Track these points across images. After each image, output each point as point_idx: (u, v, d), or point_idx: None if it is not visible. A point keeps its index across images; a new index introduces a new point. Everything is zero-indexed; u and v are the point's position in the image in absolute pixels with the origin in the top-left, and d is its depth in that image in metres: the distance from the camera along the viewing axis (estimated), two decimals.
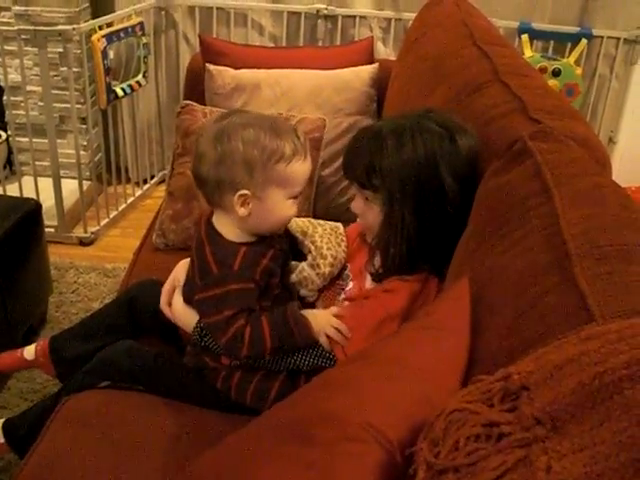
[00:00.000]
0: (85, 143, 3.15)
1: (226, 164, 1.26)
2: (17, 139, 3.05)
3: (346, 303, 1.40)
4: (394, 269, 1.33)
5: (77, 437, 1.32)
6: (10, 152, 3.17)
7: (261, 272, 1.32)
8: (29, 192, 2.86)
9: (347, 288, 1.45)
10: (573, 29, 3.00)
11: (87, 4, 3.16)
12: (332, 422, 0.78)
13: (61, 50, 3.01)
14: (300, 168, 1.30)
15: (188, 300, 1.42)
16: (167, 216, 1.95)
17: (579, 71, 2.99)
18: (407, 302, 1.29)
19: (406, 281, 1.32)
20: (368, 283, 1.43)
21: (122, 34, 2.86)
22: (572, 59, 2.98)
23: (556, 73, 2.96)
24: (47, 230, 2.89)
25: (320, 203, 2.07)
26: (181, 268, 1.50)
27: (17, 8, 3.03)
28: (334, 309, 1.35)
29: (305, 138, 1.33)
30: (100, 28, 2.78)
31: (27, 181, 2.98)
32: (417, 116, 1.34)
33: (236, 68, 2.22)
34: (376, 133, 1.32)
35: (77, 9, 3.05)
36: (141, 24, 2.97)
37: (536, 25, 2.99)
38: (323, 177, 2.12)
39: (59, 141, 3.12)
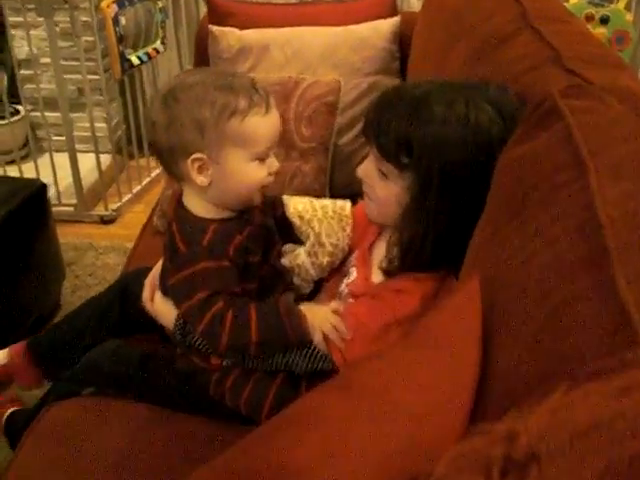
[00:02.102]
0: (105, 116, 2.99)
1: (175, 127, 1.12)
2: (33, 114, 2.92)
3: (350, 300, 1.21)
4: (413, 266, 1.13)
5: (53, 457, 1.18)
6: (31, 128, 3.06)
7: (235, 249, 1.17)
8: (48, 170, 2.75)
9: (350, 278, 1.26)
10: None
11: None
12: None
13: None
14: (261, 122, 1.13)
15: (165, 291, 1.26)
16: (167, 196, 1.78)
17: (630, 17, 2.74)
18: (419, 306, 1.09)
19: (420, 280, 1.12)
20: (375, 275, 1.23)
21: None
22: (622, 4, 2.73)
23: (604, 20, 2.72)
24: (66, 209, 2.83)
25: (337, 175, 1.87)
26: None
27: None
28: (334, 305, 1.17)
29: (268, 92, 1.16)
30: None
31: (56, 157, 2.83)
32: (472, 88, 1.11)
33: (244, 29, 2.02)
34: (418, 98, 1.09)
35: None
36: None
37: None
38: (340, 146, 1.90)
39: (78, 115, 3.00)
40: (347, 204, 1.37)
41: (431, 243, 1.09)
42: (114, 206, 2.90)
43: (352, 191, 1.40)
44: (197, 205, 1.19)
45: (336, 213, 1.32)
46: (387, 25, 2.02)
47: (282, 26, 2.02)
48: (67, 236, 2.67)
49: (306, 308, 1.17)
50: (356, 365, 0.84)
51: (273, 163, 1.18)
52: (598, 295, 0.68)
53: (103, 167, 2.88)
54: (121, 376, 1.31)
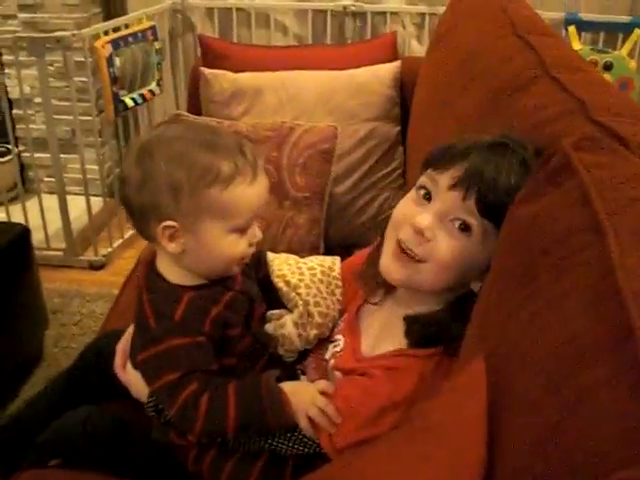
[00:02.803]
0: (100, 157, 2.91)
1: (148, 188, 0.99)
2: (25, 154, 2.86)
3: (337, 373, 1.10)
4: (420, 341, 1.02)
5: None
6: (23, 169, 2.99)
7: (212, 322, 1.04)
8: (37, 212, 2.67)
9: (337, 348, 1.14)
10: (625, 18, 2.73)
11: (99, 9, 2.96)
12: None
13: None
14: (245, 193, 1.00)
15: (135, 365, 1.13)
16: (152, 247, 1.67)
17: (633, 64, 2.71)
18: (416, 385, 0.97)
19: (417, 357, 1.00)
20: (365, 346, 1.11)
21: (130, 39, 2.62)
22: (625, 51, 2.70)
23: (608, 67, 2.68)
24: (54, 254, 2.74)
25: (333, 226, 1.77)
26: None
27: (23, 15, 2.84)
28: (322, 385, 1.04)
29: (255, 155, 1.03)
30: (106, 34, 2.55)
31: (46, 199, 2.77)
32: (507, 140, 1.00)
33: (238, 72, 1.94)
34: (520, 152, 0.98)
35: (87, 14, 2.86)
36: (153, 28, 2.73)
37: (584, 15, 2.74)
38: (336, 195, 1.81)
39: (70, 156, 2.93)
40: (336, 262, 1.25)
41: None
42: (104, 251, 2.81)
43: (348, 243, 1.31)
44: (172, 272, 1.06)
45: (325, 275, 1.21)
46: (387, 70, 1.94)
47: (277, 69, 1.95)
48: (54, 282, 2.59)
49: (291, 390, 1.03)
50: (345, 458, 0.73)
51: (255, 233, 1.06)
52: (621, 383, 0.57)
53: (94, 211, 2.80)
54: (92, 447, 1.18)
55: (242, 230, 1.03)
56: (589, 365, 0.61)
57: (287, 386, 1.04)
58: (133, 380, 1.14)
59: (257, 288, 1.16)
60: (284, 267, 1.21)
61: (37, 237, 2.67)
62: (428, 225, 0.98)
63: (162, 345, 1.01)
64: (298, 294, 1.16)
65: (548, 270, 0.73)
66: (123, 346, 1.20)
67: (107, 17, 2.97)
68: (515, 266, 0.79)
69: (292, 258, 1.26)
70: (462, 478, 0.62)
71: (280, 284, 1.19)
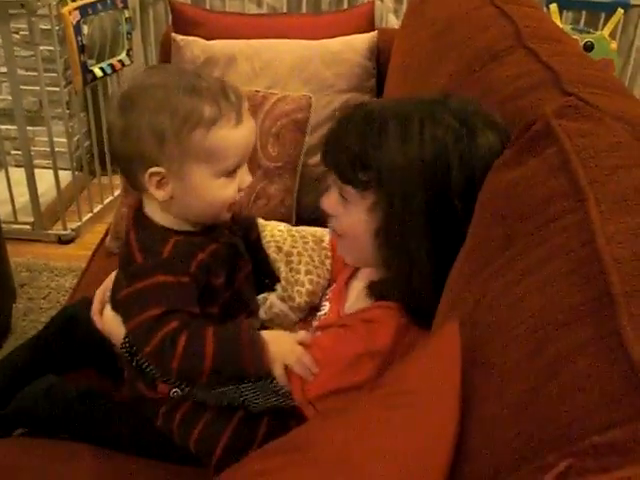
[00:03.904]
0: (69, 130, 2.85)
1: (132, 135, 0.98)
2: None
3: (318, 333, 1.09)
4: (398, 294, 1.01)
5: None
6: None
7: (197, 265, 1.03)
8: (3, 185, 2.62)
9: (322, 312, 1.14)
10: None
11: None
12: None
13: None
14: (230, 135, 0.99)
15: (115, 306, 1.12)
16: (122, 215, 1.65)
17: (614, 45, 2.71)
18: (393, 337, 0.97)
19: (394, 309, 0.99)
20: (348, 306, 1.12)
21: (99, 6, 2.55)
22: (606, 32, 2.70)
23: (588, 47, 2.68)
24: (22, 227, 2.69)
25: (305, 199, 1.75)
26: None
27: None
28: (302, 335, 1.03)
29: (240, 98, 1.01)
30: (73, 0, 2.48)
31: (14, 172, 2.70)
32: (430, 102, 1.02)
33: (210, 39, 1.90)
34: (373, 114, 1.01)
35: None
36: None
37: None
38: (309, 166, 1.78)
39: (38, 129, 2.87)
40: (326, 234, 1.25)
41: (425, 279, 0.97)
42: (73, 225, 2.75)
43: (320, 215, 1.28)
44: (159, 215, 1.06)
45: (317, 244, 1.21)
46: (363, 40, 1.91)
47: (251, 38, 1.91)
48: (22, 255, 2.54)
49: (270, 337, 1.03)
50: (318, 422, 0.71)
51: (244, 178, 1.05)
52: (601, 349, 0.57)
53: (63, 184, 2.73)
54: (55, 415, 1.18)
55: (230, 174, 1.02)
56: (568, 330, 0.60)
57: (267, 334, 1.03)
58: (109, 324, 1.12)
59: (243, 246, 1.16)
60: (276, 233, 1.20)
61: (4, 210, 2.63)
62: (327, 205, 1.07)
63: (148, 280, 1.01)
64: (288, 262, 1.15)
65: (528, 236, 0.72)
66: (101, 292, 1.19)
67: None
68: (494, 232, 0.78)
69: (283, 225, 1.26)
70: (437, 442, 0.61)
71: (272, 249, 1.19)
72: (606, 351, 0.56)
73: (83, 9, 2.46)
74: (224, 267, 1.09)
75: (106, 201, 2.93)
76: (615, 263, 0.61)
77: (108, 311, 1.14)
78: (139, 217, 1.08)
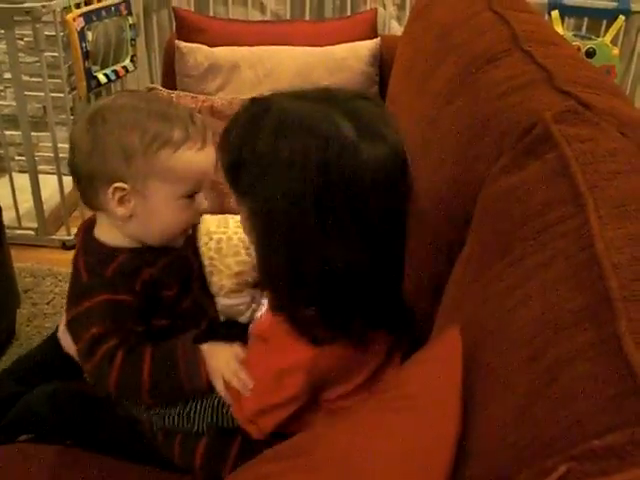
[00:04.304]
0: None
1: (99, 151, 1.02)
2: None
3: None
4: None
5: None
6: None
7: (142, 283, 1.06)
8: (8, 191, 2.63)
9: (259, 313, 1.16)
10: (609, 4, 2.72)
11: None
12: None
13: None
14: (194, 158, 1.03)
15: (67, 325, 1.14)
16: None
17: (616, 51, 2.72)
18: (316, 351, 0.92)
19: (277, 324, 0.94)
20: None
21: (103, 13, 2.58)
22: (608, 38, 2.71)
23: (590, 54, 2.70)
24: (26, 233, 2.70)
25: None
26: None
27: None
28: (236, 348, 1.04)
29: (205, 125, 1.06)
30: (78, 7, 2.50)
31: (18, 177, 2.71)
32: (331, 100, 0.92)
33: (214, 46, 1.91)
34: (262, 108, 0.93)
35: None
36: (126, 2, 2.69)
37: (568, 0, 2.72)
38: None
39: (42, 134, 2.88)
40: None
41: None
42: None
43: None
44: (109, 235, 1.08)
45: None
46: (366, 47, 1.93)
47: (255, 45, 1.93)
48: (26, 261, 2.55)
49: (210, 351, 1.04)
50: (315, 429, 0.72)
51: (202, 202, 1.09)
52: (600, 354, 0.57)
53: (66, 190, 2.74)
54: (61, 423, 1.19)
55: (189, 197, 1.05)
56: (568, 335, 0.61)
57: (207, 348, 1.05)
58: (66, 341, 1.15)
59: (193, 255, 1.19)
60: (212, 222, 1.22)
61: (8, 216, 2.62)
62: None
63: (92, 299, 1.03)
64: (219, 248, 1.16)
65: (527, 241, 0.72)
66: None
67: None
68: (493, 237, 0.78)
69: (223, 216, 1.26)
70: (438, 446, 0.62)
71: (202, 241, 1.21)
72: (605, 355, 0.56)
73: (87, 16, 2.49)
74: (177, 279, 1.11)
75: None
76: (614, 268, 0.62)
77: (62, 329, 1.18)
78: (87, 240, 1.10)
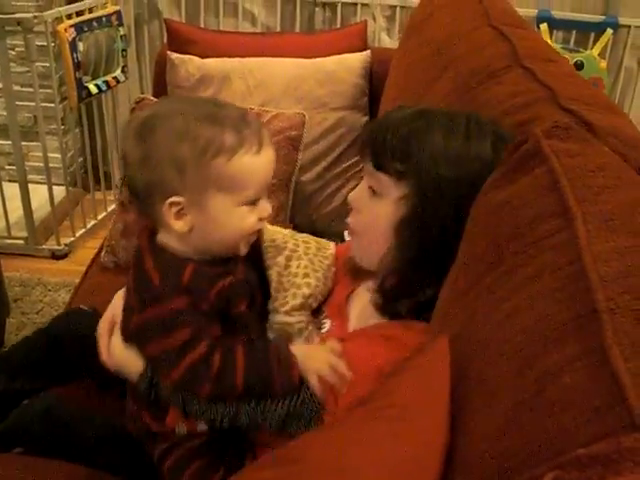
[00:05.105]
0: (63, 146, 2.86)
1: (150, 164, 0.95)
2: None
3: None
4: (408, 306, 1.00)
5: None
6: None
7: (216, 294, 0.99)
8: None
9: (324, 329, 1.12)
10: (597, 18, 2.75)
11: None
12: None
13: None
14: (251, 163, 0.96)
15: (127, 336, 1.07)
16: (117, 230, 1.66)
17: (603, 64, 2.74)
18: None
19: (411, 330, 0.96)
20: (352, 324, 1.10)
21: (95, 24, 2.58)
22: (596, 51, 2.73)
23: (578, 66, 2.71)
24: (15, 242, 2.70)
25: (298, 215, 1.77)
26: (121, 299, 1.11)
27: None
28: (332, 344, 1.00)
29: (260, 125, 0.99)
30: (69, 17, 2.50)
31: (8, 187, 2.70)
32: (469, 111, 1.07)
33: (205, 57, 1.92)
34: (420, 110, 1.05)
35: None
36: (118, 13, 2.68)
37: (556, 13, 2.76)
38: (303, 183, 1.81)
39: (33, 144, 2.88)
40: (330, 244, 1.22)
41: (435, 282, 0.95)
42: (67, 241, 2.76)
43: (313, 232, 1.29)
44: (175, 244, 1.01)
45: (319, 250, 1.17)
46: (357, 59, 1.94)
47: (246, 56, 1.93)
48: (16, 270, 2.55)
49: (299, 351, 1.00)
50: (304, 438, 0.72)
51: (265, 207, 1.01)
52: (587, 365, 0.58)
53: (57, 200, 2.74)
54: (55, 440, 1.16)
55: (251, 203, 0.99)
56: (555, 347, 0.62)
57: (298, 348, 1.01)
58: (124, 358, 1.07)
59: (257, 279, 1.12)
60: (278, 237, 1.16)
61: None
62: (354, 197, 1.07)
63: (167, 304, 0.97)
64: (287, 265, 1.13)
65: (517, 254, 0.74)
66: (104, 331, 1.12)
67: (70, 0, 2.88)
68: (484, 250, 0.79)
69: (288, 230, 1.22)
70: (427, 454, 0.63)
71: (270, 254, 1.15)
72: (591, 367, 0.57)
73: (79, 26, 2.49)
74: (243, 299, 1.05)
75: (100, 217, 2.94)
76: (601, 281, 0.63)
77: (119, 344, 1.08)
78: (153, 245, 1.03)
